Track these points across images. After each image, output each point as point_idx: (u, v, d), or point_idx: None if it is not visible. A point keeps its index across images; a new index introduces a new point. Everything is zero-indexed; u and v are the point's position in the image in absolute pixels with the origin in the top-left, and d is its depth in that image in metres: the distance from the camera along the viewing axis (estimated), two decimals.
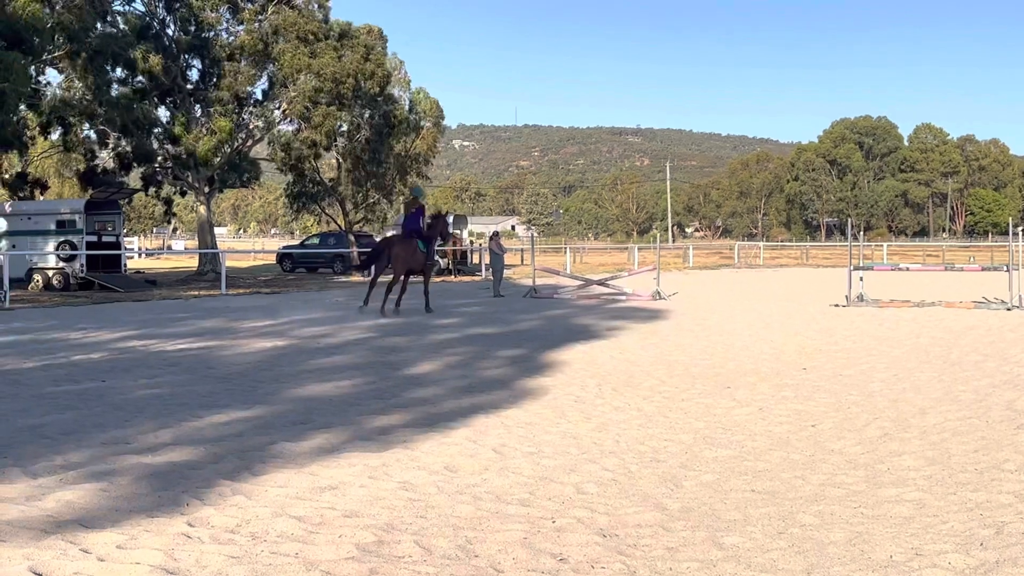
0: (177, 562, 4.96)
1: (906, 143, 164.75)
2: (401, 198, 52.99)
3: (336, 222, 48.85)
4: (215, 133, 37.51)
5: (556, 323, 19.28)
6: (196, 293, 30.10)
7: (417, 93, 48.53)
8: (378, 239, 37.66)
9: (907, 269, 28.06)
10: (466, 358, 13.64)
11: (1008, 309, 21.05)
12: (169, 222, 77.06)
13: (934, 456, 7.53)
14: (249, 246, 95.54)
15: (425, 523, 5.75)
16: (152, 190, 43.43)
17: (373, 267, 23.37)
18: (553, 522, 5.80)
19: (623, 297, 26.43)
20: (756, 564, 5.06)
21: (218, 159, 38.86)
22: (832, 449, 7.87)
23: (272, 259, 55.79)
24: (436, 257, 21.18)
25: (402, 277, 21.31)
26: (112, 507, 5.97)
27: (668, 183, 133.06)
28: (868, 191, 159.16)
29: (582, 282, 30.07)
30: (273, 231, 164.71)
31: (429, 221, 22.44)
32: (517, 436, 8.33)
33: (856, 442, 8.12)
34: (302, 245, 52.48)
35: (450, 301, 25.94)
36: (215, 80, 39.48)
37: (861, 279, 23.63)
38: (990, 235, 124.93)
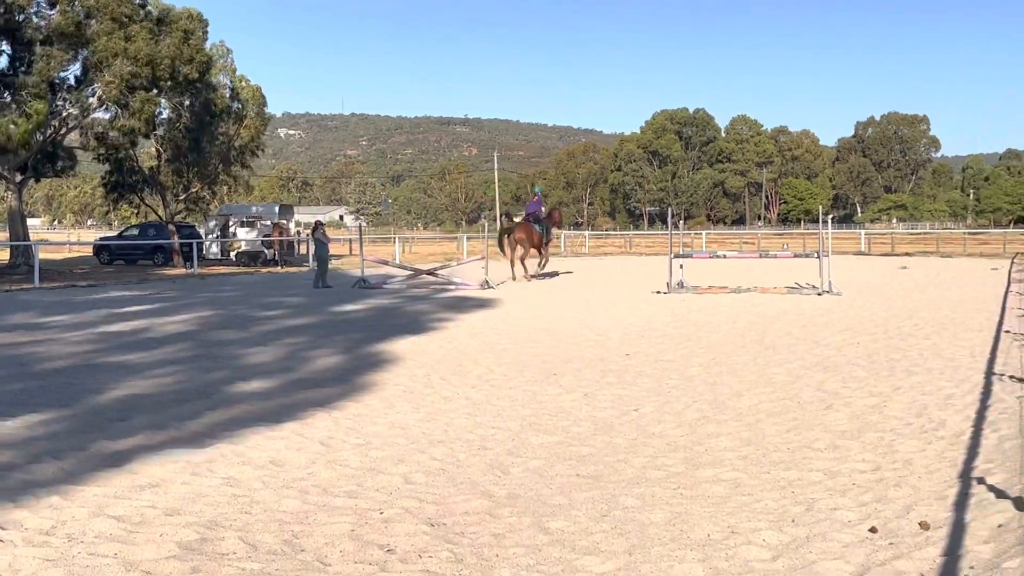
0: None
1: (723, 134, 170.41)
2: (226, 188, 51.95)
3: (156, 213, 47.36)
4: (30, 116, 35.64)
5: (385, 313, 19.21)
6: (7, 287, 28.70)
7: (239, 80, 47.32)
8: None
9: (724, 256, 29.05)
10: (293, 350, 13.45)
11: (819, 294, 22.05)
12: None
13: (749, 437, 7.85)
14: (64, 238, 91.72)
15: (250, 519, 5.67)
16: None
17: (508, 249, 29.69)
18: (381, 513, 5.80)
19: (452, 287, 26.53)
20: (580, 547, 5.18)
21: (32, 145, 37.05)
22: (653, 432, 8.10)
23: (89, 251, 53.74)
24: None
25: (523, 249, 29.09)
26: None
27: (496, 173, 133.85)
28: (687, 181, 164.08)
29: (411, 272, 30.03)
30: (90, 222, 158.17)
31: (546, 211, 31.28)
32: (345, 428, 8.28)
33: (676, 425, 8.38)
34: (120, 236, 50.65)
35: (276, 292, 25.52)
36: (26, 66, 37.53)
37: (681, 267, 24.35)
38: (802, 223, 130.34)
